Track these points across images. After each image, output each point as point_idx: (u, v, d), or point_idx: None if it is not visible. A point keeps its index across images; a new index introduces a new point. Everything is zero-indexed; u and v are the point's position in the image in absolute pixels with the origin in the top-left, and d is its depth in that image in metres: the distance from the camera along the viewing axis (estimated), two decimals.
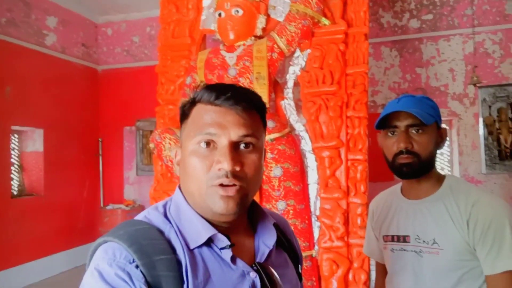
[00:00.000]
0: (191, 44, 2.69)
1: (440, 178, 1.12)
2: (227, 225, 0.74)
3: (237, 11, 2.30)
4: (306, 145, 2.41)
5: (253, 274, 0.72)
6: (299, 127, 2.43)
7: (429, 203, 1.09)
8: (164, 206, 0.75)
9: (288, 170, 2.26)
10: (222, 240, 0.71)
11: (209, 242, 0.71)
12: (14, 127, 4.19)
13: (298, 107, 2.49)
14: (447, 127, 4.18)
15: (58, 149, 4.57)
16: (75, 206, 4.78)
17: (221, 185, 0.69)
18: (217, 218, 0.72)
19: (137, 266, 0.64)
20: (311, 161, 2.39)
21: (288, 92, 2.47)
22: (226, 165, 0.68)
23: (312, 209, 2.36)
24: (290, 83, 2.47)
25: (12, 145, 4.37)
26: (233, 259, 0.71)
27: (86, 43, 5.08)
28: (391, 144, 1.09)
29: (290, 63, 2.49)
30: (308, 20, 2.32)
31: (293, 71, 2.46)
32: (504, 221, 1.00)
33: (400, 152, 1.07)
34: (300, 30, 2.31)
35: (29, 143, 4.50)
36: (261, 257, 0.77)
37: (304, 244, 2.25)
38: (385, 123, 1.10)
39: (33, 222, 4.17)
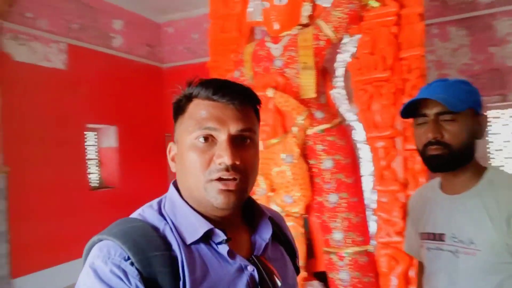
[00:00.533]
0: (239, 38, 2.69)
1: (480, 171, 1.02)
2: (224, 219, 0.74)
3: (281, 0, 2.25)
4: (359, 135, 2.30)
5: (250, 268, 0.73)
6: (351, 117, 2.32)
7: (465, 199, 1.01)
8: (159, 203, 0.76)
9: (339, 162, 2.18)
10: (219, 235, 0.72)
11: (205, 237, 0.71)
12: (89, 125, 4.55)
13: (350, 96, 2.37)
14: None
15: (130, 144, 4.90)
16: (146, 196, 5.09)
17: (220, 179, 0.69)
18: (215, 213, 0.73)
19: (132, 263, 0.64)
20: (364, 152, 2.28)
21: (338, 81, 2.37)
22: (227, 159, 0.68)
23: (367, 202, 2.26)
24: (340, 72, 2.36)
25: (91, 142, 4.77)
26: (230, 254, 0.72)
27: (150, 43, 5.34)
28: (421, 133, 1.02)
29: (339, 50, 2.38)
30: (355, 4, 2.19)
31: (342, 59, 2.35)
32: None
33: (430, 143, 0.98)
34: (347, 15, 2.20)
35: (104, 140, 4.87)
36: (257, 250, 0.77)
37: (359, 239, 2.16)
38: (415, 110, 1.02)
39: (109, 212, 4.53)
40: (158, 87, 5.40)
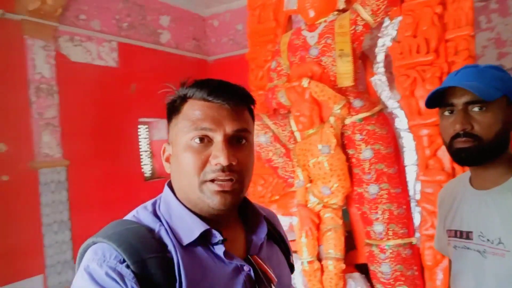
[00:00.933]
0: (276, 28, 2.66)
1: None
2: (219, 219, 0.74)
3: None
4: (401, 123, 2.19)
5: (246, 268, 0.73)
6: (393, 104, 2.22)
7: (496, 195, 0.92)
8: (153, 205, 0.76)
9: (379, 152, 2.10)
10: (215, 236, 0.72)
11: (201, 238, 0.71)
12: (142, 119, 4.76)
13: (391, 83, 2.27)
14: None
15: None
16: None
17: (216, 180, 0.69)
18: (211, 213, 0.72)
19: (127, 266, 0.64)
20: (407, 141, 2.17)
21: (378, 67, 2.27)
22: (223, 160, 0.68)
23: (411, 193, 2.16)
24: (380, 57, 2.26)
25: (143, 135, 5.00)
26: (226, 254, 0.72)
27: (196, 37, 5.45)
28: (448, 125, 0.93)
29: (379, 34, 2.27)
30: None
31: (383, 43, 2.24)
32: None
33: (457, 135, 0.90)
34: None
35: (155, 132, 5.08)
36: (253, 250, 0.77)
37: (401, 231, 2.08)
38: (442, 100, 0.94)
39: None
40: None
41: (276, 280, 0.77)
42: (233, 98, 0.72)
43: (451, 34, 2.09)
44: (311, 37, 2.26)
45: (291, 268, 0.90)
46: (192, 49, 5.38)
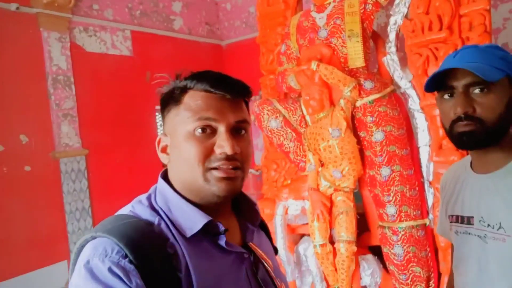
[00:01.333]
0: (285, 10, 2.62)
1: None
2: (218, 209, 0.76)
3: None
4: (414, 103, 2.14)
5: (246, 255, 0.76)
6: (405, 84, 2.17)
7: (497, 179, 0.89)
8: (148, 199, 0.76)
9: (391, 134, 2.07)
10: (218, 226, 0.73)
11: (202, 229, 0.72)
12: (158, 107, 4.81)
13: (404, 62, 2.21)
14: None
15: None
16: None
17: (219, 168, 0.71)
18: (214, 201, 0.74)
19: (130, 261, 0.62)
20: (420, 121, 2.13)
21: (391, 46, 2.21)
22: (228, 149, 0.70)
23: (424, 174, 2.13)
24: (392, 36, 2.20)
25: (160, 123, 5.07)
26: (227, 243, 0.73)
27: (209, 22, 5.42)
28: (448, 108, 0.90)
29: (391, 12, 2.21)
30: None
31: (394, 21, 2.18)
32: None
33: (459, 119, 0.87)
34: None
35: None
36: (249, 237, 0.80)
37: (414, 213, 2.05)
38: (441, 83, 0.90)
39: None
40: (219, 64, 5.50)
41: (272, 264, 0.79)
42: (233, 90, 0.74)
43: (466, 9, 2.01)
44: (320, 19, 2.22)
45: (275, 250, 0.93)
46: (206, 34, 5.36)
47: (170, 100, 0.78)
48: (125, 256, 0.63)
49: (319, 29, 2.21)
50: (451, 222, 1.03)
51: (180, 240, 0.69)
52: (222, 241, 0.73)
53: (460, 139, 0.90)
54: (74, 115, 3.63)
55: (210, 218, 0.72)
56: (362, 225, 2.24)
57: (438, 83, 0.92)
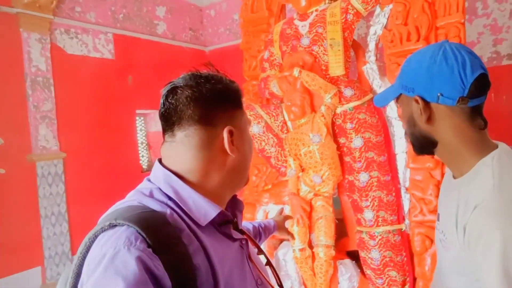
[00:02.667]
0: (269, 17, 2.66)
1: (478, 155, 0.84)
2: (225, 200, 0.83)
3: None
4: (392, 111, 2.20)
5: (244, 241, 0.81)
6: None
7: (452, 188, 0.91)
8: (151, 192, 0.74)
9: (369, 140, 2.12)
10: (227, 215, 0.77)
11: (211, 221, 0.75)
12: (138, 111, 4.77)
13: (382, 71, 2.27)
14: None
15: None
16: None
17: None
18: (236, 191, 0.84)
19: (154, 250, 0.62)
20: (398, 129, 2.19)
21: (370, 55, 2.27)
22: None
23: (401, 180, 2.18)
24: (372, 45, 2.26)
25: (139, 127, 5.02)
26: (233, 232, 0.79)
27: (193, 27, 5.43)
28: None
29: (371, 23, 2.27)
30: None
31: (374, 31, 2.24)
32: (495, 235, 0.72)
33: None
34: None
35: (152, 124, 5.09)
36: (240, 224, 0.85)
37: (391, 218, 2.10)
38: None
39: None
40: (202, 70, 5.51)
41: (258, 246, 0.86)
42: None
43: (442, 21, 2.09)
44: (303, 27, 2.26)
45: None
46: (189, 39, 5.37)
47: (238, 101, 0.84)
48: (148, 246, 0.62)
49: (302, 36, 2.26)
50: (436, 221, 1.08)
51: (196, 229, 0.70)
52: (229, 230, 0.77)
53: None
54: (53, 117, 3.57)
55: (221, 208, 0.75)
56: (340, 230, 2.28)
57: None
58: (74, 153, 3.65)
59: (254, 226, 1.22)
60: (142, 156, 4.98)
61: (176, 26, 5.19)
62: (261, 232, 1.22)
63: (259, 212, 2.39)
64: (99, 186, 3.84)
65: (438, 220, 0.98)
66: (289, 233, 1.38)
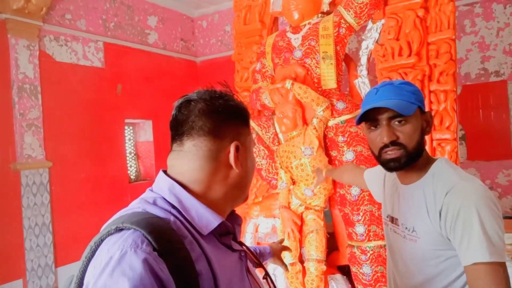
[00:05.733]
0: (261, 29, 2.66)
1: (429, 164, 1.08)
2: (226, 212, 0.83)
3: None
4: None
5: (243, 254, 0.82)
6: None
7: (413, 190, 1.08)
8: (154, 200, 0.75)
9: (361, 154, 2.11)
10: (228, 226, 0.79)
11: (212, 231, 0.75)
12: (127, 120, 4.72)
13: (374, 85, 2.28)
14: None
15: (165, 138, 5.01)
16: None
17: None
18: (235, 206, 0.85)
19: (160, 255, 0.63)
20: None
21: (362, 69, 2.28)
22: None
23: None
24: (364, 60, 2.27)
25: (128, 136, 4.96)
26: (233, 243, 0.81)
27: (184, 38, 5.43)
28: (375, 137, 1.06)
29: (363, 37, 2.29)
30: None
31: (366, 46, 2.26)
32: (471, 209, 0.93)
33: (385, 146, 1.03)
34: (369, 0, 2.10)
35: (141, 134, 5.04)
36: (239, 236, 0.86)
37: (383, 232, 2.06)
38: (366, 115, 1.05)
39: None
40: (193, 80, 5.49)
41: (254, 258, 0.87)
42: None
43: (433, 37, 2.12)
44: (295, 39, 2.26)
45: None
46: (180, 50, 5.36)
47: (246, 119, 0.85)
48: (154, 249, 0.63)
49: (294, 49, 2.26)
50: (388, 221, 1.20)
51: (198, 237, 0.72)
52: (229, 241, 0.79)
53: (388, 164, 1.06)
54: (39, 125, 3.50)
55: (223, 219, 0.76)
56: (331, 244, 2.25)
57: (364, 116, 1.06)
58: (60, 162, 3.58)
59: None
60: (130, 166, 4.91)
61: (167, 36, 5.18)
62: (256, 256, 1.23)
63: (249, 225, 2.35)
64: (85, 196, 3.76)
65: (396, 224, 1.13)
66: (283, 263, 1.38)
